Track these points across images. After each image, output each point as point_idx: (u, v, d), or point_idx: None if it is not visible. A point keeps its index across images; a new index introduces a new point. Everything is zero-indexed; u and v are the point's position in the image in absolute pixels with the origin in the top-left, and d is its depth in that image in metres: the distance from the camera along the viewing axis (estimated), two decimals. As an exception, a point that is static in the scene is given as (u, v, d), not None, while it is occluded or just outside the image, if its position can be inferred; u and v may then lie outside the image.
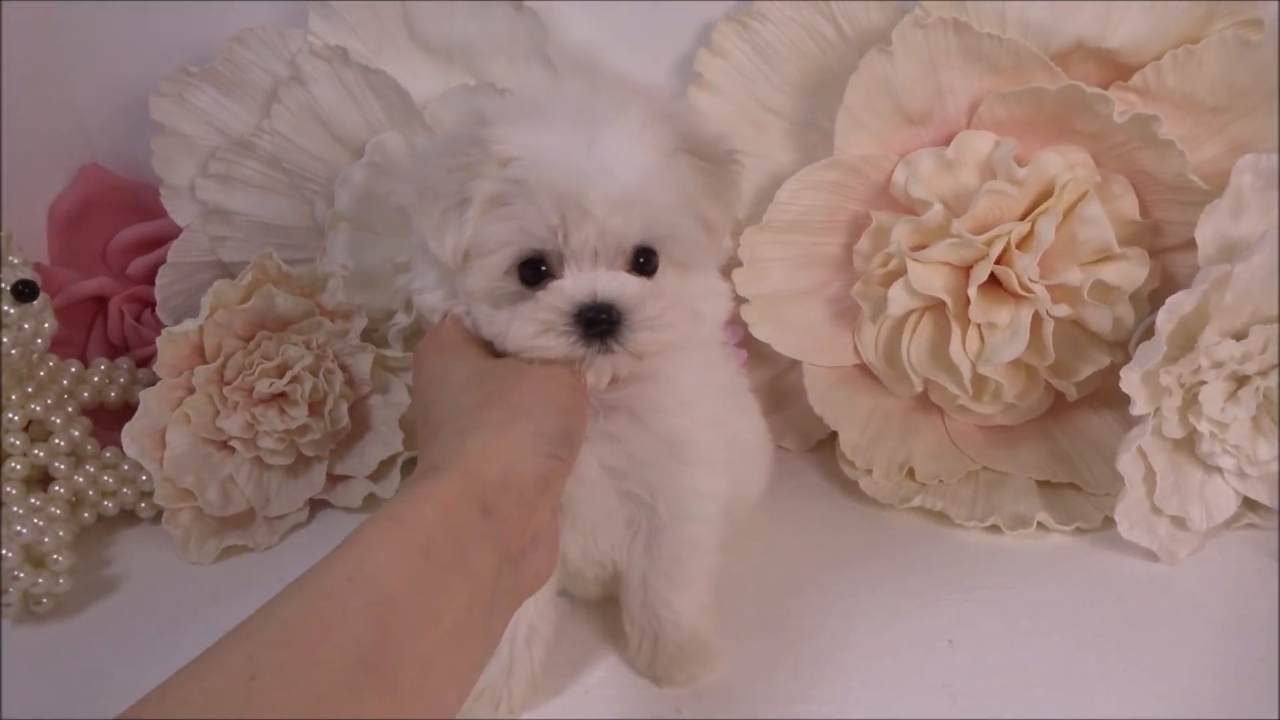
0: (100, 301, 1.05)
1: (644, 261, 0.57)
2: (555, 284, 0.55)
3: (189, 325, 0.86)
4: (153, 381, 0.89)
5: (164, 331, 0.86)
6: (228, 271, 0.99)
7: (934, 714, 0.63)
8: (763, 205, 0.89)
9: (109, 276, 1.05)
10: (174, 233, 1.03)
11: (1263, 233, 0.72)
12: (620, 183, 0.54)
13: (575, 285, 0.55)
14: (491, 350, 0.58)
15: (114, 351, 1.04)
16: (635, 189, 0.54)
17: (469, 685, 0.46)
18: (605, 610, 0.74)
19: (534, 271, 0.56)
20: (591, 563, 0.67)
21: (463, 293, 0.58)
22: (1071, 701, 0.63)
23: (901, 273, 0.84)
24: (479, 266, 0.56)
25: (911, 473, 0.87)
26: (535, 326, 0.54)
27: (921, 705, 0.64)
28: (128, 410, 0.90)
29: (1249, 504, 0.78)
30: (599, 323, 0.54)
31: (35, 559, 0.79)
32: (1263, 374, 0.74)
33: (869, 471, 0.87)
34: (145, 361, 1.00)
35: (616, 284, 0.55)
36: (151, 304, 1.03)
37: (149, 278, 1.03)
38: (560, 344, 0.54)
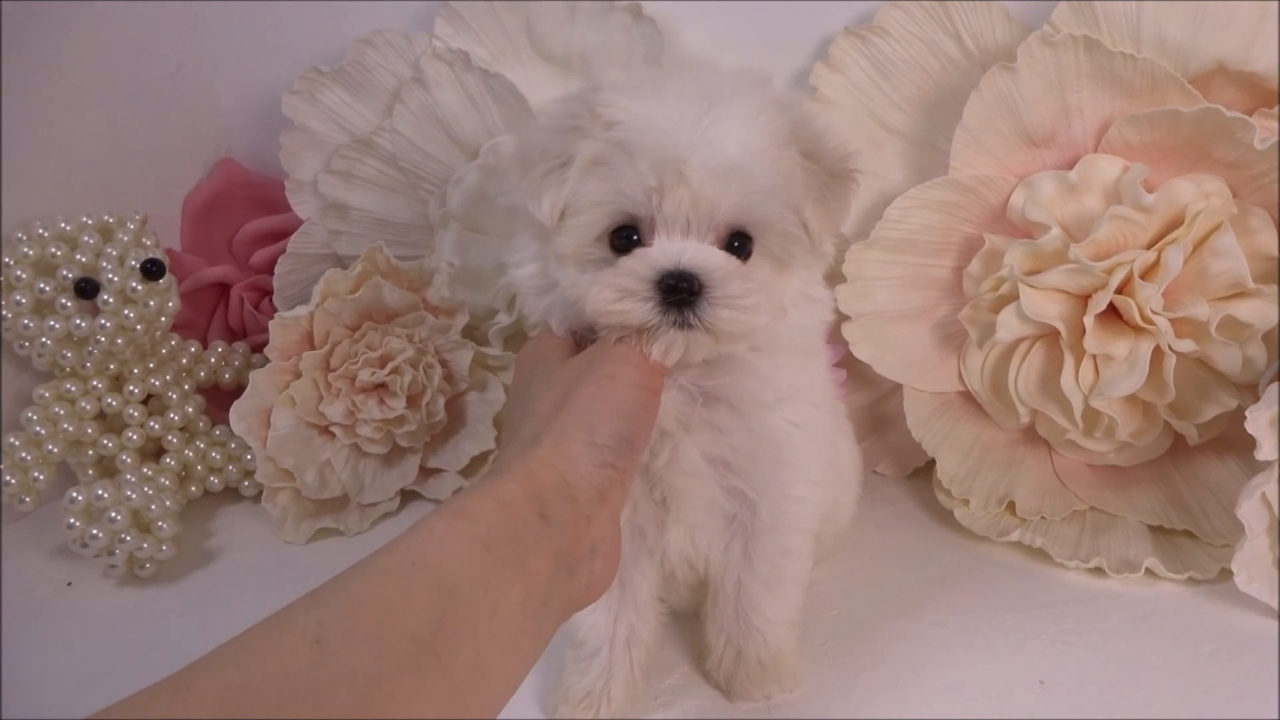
0: (224, 288, 1.10)
1: (737, 245, 0.55)
2: (641, 250, 0.54)
3: (300, 311, 0.89)
4: (265, 365, 0.92)
5: (276, 316, 0.89)
6: (342, 264, 1.03)
7: (1020, 758, 0.60)
8: (872, 222, 0.87)
9: (233, 265, 1.10)
10: (296, 226, 1.07)
11: None
12: (722, 155, 0.53)
13: (661, 252, 0.54)
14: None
15: (233, 336, 1.09)
16: (737, 164, 0.53)
17: (518, 679, 0.46)
18: (682, 620, 0.73)
19: (625, 239, 0.55)
20: (685, 563, 0.65)
21: (553, 258, 0.57)
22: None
23: (1013, 298, 0.81)
24: (572, 227, 0.55)
25: (1012, 507, 0.83)
26: (614, 292, 0.53)
27: (1007, 748, 0.61)
28: (240, 392, 0.94)
29: (1388, 567, 0.72)
30: (679, 290, 0.52)
31: (142, 524, 0.83)
32: None
33: (966, 502, 0.84)
34: (260, 347, 1.04)
35: (703, 254, 0.53)
36: (270, 293, 1.08)
37: (270, 268, 1.08)
38: (637, 310, 0.53)
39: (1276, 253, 0.78)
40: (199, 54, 1.08)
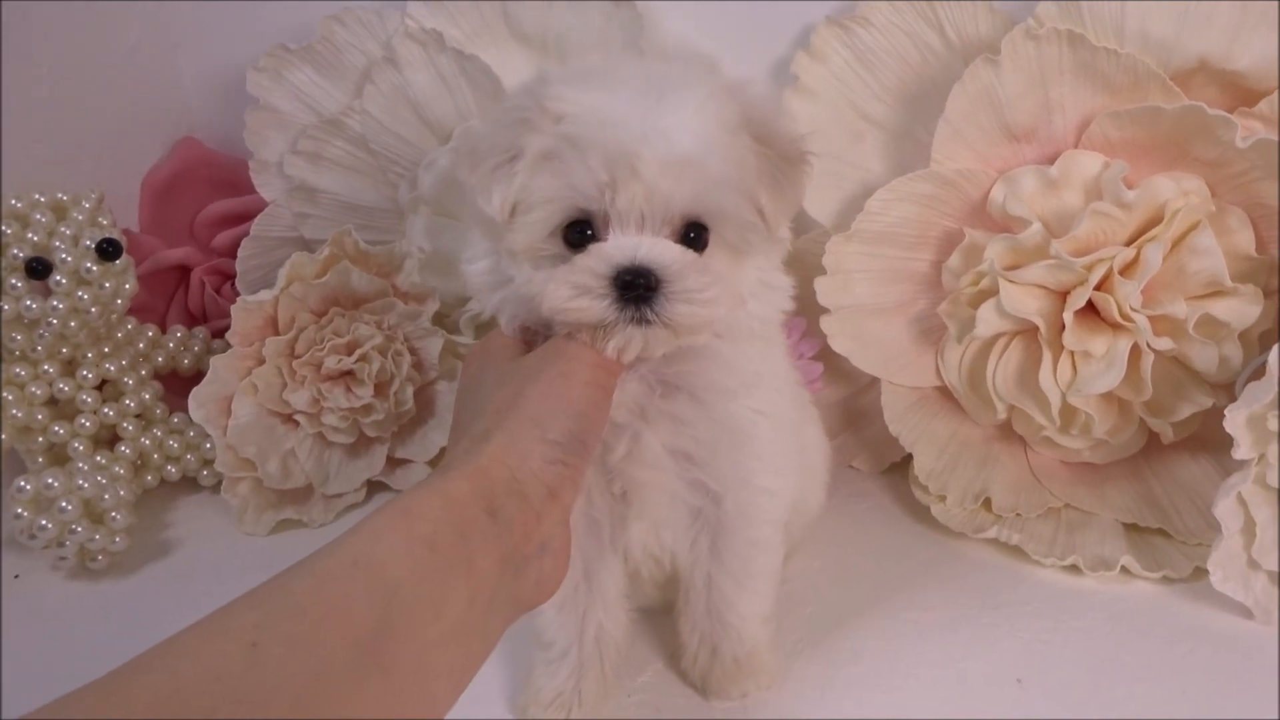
0: (184, 271, 1.06)
1: (694, 236, 0.54)
2: (596, 246, 0.53)
3: (265, 295, 0.86)
4: (227, 351, 0.89)
5: (239, 300, 0.86)
6: (309, 248, 1.00)
7: (999, 757, 0.59)
8: (852, 214, 0.86)
9: (194, 248, 1.07)
10: (261, 208, 1.04)
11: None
12: (675, 146, 0.51)
13: (616, 247, 0.52)
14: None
15: (192, 321, 1.06)
16: (690, 155, 0.52)
17: (464, 681, 0.45)
18: (652, 617, 0.71)
19: (578, 234, 0.54)
20: (650, 560, 0.64)
21: (506, 254, 0.56)
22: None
23: (992, 293, 0.80)
24: (523, 223, 0.54)
25: (988, 503, 0.83)
26: (570, 289, 0.52)
27: (986, 747, 0.60)
28: (200, 378, 0.91)
29: (1358, 566, 0.72)
30: (635, 287, 0.51)
31: (94, 515, 0.80)
32: (1383, 426, 0.68)
33: (943, 498, 0.83)
34: (221, 332, 1.01)
35: (659, 249, 0.52)
36: (232, 277, 1.05)
37: (232, 251, 1.04)
38: (594, 307, 0.51)
39: (1254, 252, 0.78)
40: (160, 28, 1.05)
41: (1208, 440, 0.82)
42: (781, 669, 0.66)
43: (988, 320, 0.80)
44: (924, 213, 0.85)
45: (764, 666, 0.65)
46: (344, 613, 0.40)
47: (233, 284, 1.05)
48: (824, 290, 0.84)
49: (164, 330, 0.98)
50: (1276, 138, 0.72)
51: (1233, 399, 0.77)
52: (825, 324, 0.85)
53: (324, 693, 0.37)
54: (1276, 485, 0.70)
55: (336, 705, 0.38)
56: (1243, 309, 0.76)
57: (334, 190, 0.98)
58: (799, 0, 0.89)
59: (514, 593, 0.48)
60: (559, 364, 0.53)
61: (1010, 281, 0.79)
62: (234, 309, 0.86)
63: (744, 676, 0.65)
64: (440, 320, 0.95)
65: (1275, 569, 0.70)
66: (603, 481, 0.60)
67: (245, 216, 1.06)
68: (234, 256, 1.03)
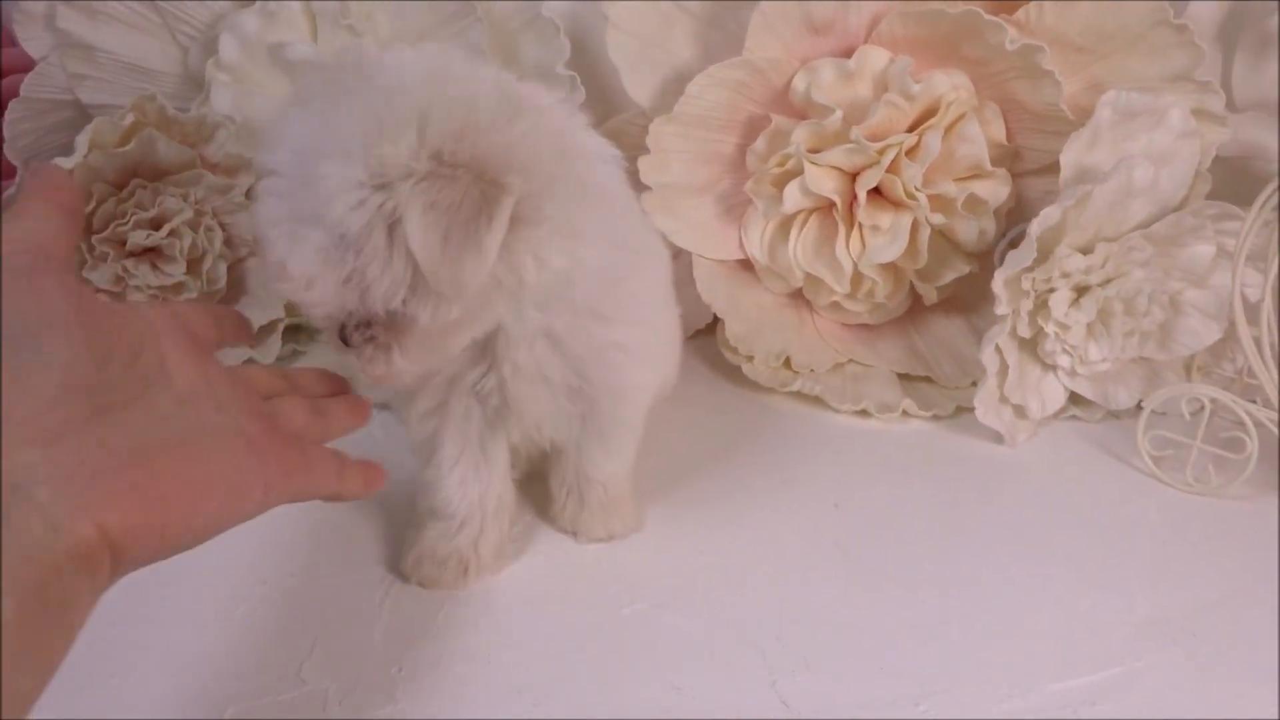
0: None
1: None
2: None
3: (63, 162, 0.79)
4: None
5: (31, 166, 0.78)
6: (84, 113, 0.91)
7: (829, 564, 0.71)
8: (666, 98, 0.92)
9: (-66, 107, 0.94)
10: (17, 66, 0.94)
11: (1116, 162, 0.82)
12: (297, 267, 0.49)
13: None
14: None
15: (-64, 191, 0.94)
16: (313, 275, 0.49)
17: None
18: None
19: None
20: (529, 442, 0.69)
21: None
22: (941, 551, 0.73)
23: (796, 174, 0.89)
24: None
25: (788, 362, 0.94)
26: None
27: (817, 558, 0.72)
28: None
29: (1075, 399, 0.90)
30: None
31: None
32: (1101, 285, 0.85)
33: (750, 359, 0.93)
34: (-14, 203, 0.92)
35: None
36: (-8, 141, 0.94)
37: (-14, 113, 0.93)
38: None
39: (1004, 140, 0.92)
40: None
41: (960, 303, 0.97)
42: (641, 513, 0.74)
43: (793, 197, 0.90)
44: (733, 98, 0.92)
45: (628, 511, 0.73)
46: None
47: (-3, 149, 0.94)
48: (645, 169, 0.90)
49: (-84, 202, 0.87)
50: (1033, 43, 0.85)
51: (985, 267, 0.92)
52: (647, 200, 0.91)
53: None
54: (1026, 335, 0.85)
55: None
56: (997, 189, 0.90)
57: (114, 50, 0.90)
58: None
59: None
60: None
61: (813, 164, 0.89)
62: (25, 178, 0.78)
63: (611, 519, 0.72)
64: (250, 194, 0.91)
65: (1020, 403, 0.86)
66: (477, 404, 0.64)
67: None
68: (-11, 119, 0.93)
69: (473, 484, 0.67)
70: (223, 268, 0.88)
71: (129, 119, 0.81)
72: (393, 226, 0.48)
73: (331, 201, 0.47)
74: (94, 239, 0.82)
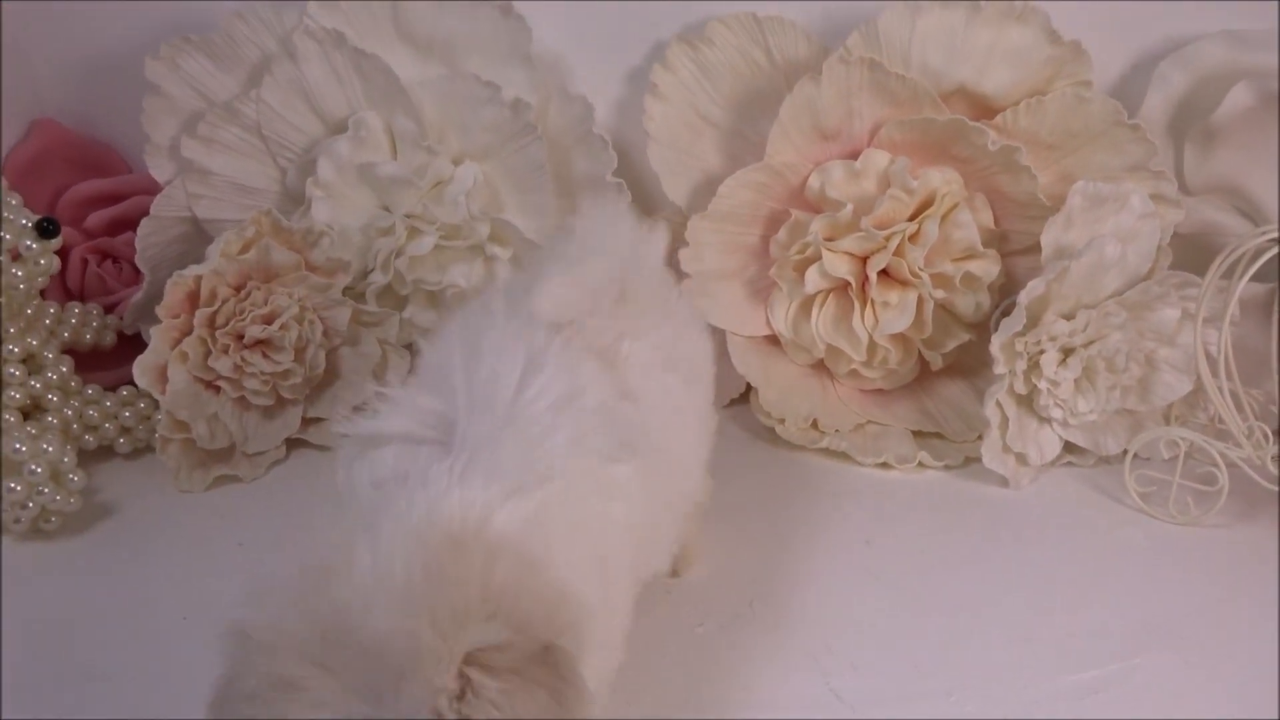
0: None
1: None
2: None
3: (196, 269, 0.93)
4: (119, 328, 1.01)
5: (175, 274, 0.93)
6: (200, 227, 1.06)
7: (865, 588, 0.83)
8: (698, 198, 1.07)
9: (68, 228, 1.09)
10: (131, 189, 1.10)
11: (1089, 241, 0.96)
12: None
13: None
14: None
15: (69, 298, 1.08)
16: None
17: None
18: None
19: None
20: None
21: None
22: (960, 575, 0.85)
23: (815, 259, 1.04)
24: None
25: (816, 423, 1.07)
26: None
27: (855, 583, 0.84)
28: (95, 353, 0.97)
29: (1069, 447, 1.02)
30: None
31: (56, 477, 0.85)
32: (1084, 346, 0.98)
33: (782, 421, 1.06)
34: (111, 308, 1.06)
35: None
36: (112, 255, 1.09)
37: (108, 230, 1.09)
38: None
39: (992, 226, 1.06)
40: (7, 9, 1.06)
41: (963, 367, 1.10)
42: (702, 554, 0.86)
43: (813, 280, 1.04)
44: (756, 197, 1.07)
45: (692, 554, 0.85)
46: None
47: (114, 261, 1.09)
48: (684, 259, 1.05)
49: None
50: (1011, 144, 1.00)
51: (983, 335, 1.06)
52: (686, 286, 1.05)
53: None
54: (1022, 392, 0.98)
55: None
56: (989, 267, 1.05)
57: (226, 172, 1.06)
58: (652, 16, 1.08)
59: None
60: None
61: (829, 250, 1.03)
62: (169, 284, 0.92)
63: (683, 566, 0.84)
64: (346, 291, 1.05)
65: (1021, 451, 0.99)
66: None
67: (117, 197, 1.10)
68: (111, 235, 1.08)
69: None
70: (321, 355, 1.01)
71: (251, 230, 0.96)
72: None
73: None
74: (217, 333, 0.96)
